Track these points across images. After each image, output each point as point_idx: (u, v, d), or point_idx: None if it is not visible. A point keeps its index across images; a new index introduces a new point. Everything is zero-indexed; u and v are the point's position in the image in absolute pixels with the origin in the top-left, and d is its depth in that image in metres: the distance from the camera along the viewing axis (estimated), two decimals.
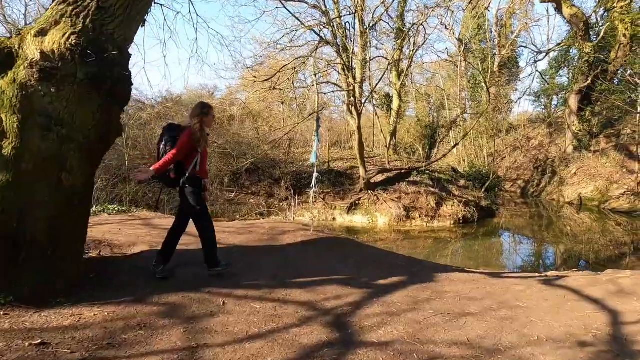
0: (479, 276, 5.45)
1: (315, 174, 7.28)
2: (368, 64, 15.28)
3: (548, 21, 29.57)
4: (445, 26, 25.49)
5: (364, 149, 13.60)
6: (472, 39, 27.62)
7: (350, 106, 12.56)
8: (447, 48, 30.50)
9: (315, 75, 13.30)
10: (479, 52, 27.79)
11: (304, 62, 11.90)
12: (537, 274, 6.42)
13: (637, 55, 18.42)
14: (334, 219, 13.42)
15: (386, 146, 14.55)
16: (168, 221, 5.78)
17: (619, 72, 19.79)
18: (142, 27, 4.16)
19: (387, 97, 18.32)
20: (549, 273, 6.91)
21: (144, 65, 13.51)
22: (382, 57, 17.09)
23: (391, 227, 12.99)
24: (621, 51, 19.23)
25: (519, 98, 27.78)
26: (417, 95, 24.20)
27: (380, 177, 14.34)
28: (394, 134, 16.94)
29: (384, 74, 13.03)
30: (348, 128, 20.55)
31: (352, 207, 13.52)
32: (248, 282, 4.17)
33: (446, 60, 28.61)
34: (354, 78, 12.12)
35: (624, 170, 18.22)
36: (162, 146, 3.93)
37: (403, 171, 14.67)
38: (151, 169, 3.76)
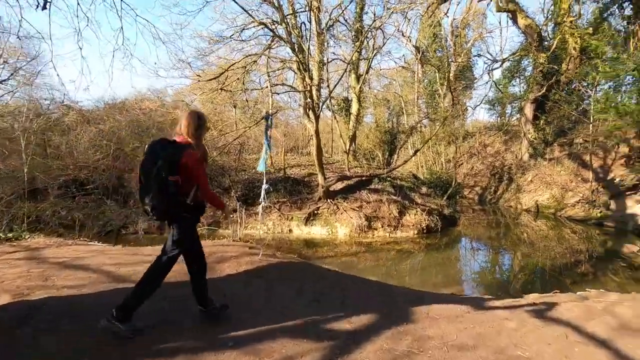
0: (462, 308, 4.48)
1: (264, 186, 5.95)
2: (326, 66, 14.31)
3: (501, 32, 30.03)
4: (402, 33, 25.31)
5: (323, 154, 12.54)
6: (428, 47, 27.56)
7: (307, 109, 11.48)
8: (404, 55, 30.17)
9: (268, 75, 12.15)
10: (436, 60, 27.77)
11: (255, 61, 10.69)
12: (522, 301, 5.57)
13: (587, 67, 18.65)
14: (290, 230, 12.23)
15: (346, 152, 13.56)
16: (71, 252, 4.38)
17: (573, 83, 20.01)
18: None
19: (346, 101, 17.48)
20: (533, 297, 6.11)
21: (52, 58, 11.51)
22: (340, 59, 16.21)
23: (352, 239, 11.98)
24: (572, 63, 19.51)
25: (477, 105, 27.86)
26: (376, 101, 23.59)
27: (340, 185, 13.33)
28: (353, 139, 16.04)
29: (343, 75, 12.06)
30: (305, 133, 19.54)
31: (311, 218, 12.40)
32: (162, 344, 2.94)
33: (403, 67, 28.50)
34: (311, 79, 11.05)
35: (579, 178, 18.29)
36: (150, 171, 2.99)
37: (364, 178, 13.75)
38: (220, 204, 3.46)
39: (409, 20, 21.83)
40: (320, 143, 11.81)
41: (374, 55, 15.70)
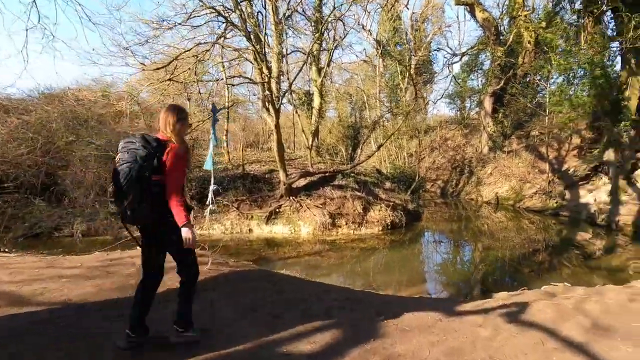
0: (433, 316, 4.08)
1: (212, 187, 5.28)
2: (285, 58, 13.70)
3: (459, 27, 30.44)
4: (363, 26, 25.01)
5: (284, 150, 11.97)
6: (389, 40, 27.41)
7: (266, 102, 10.86)
8: (365, 49, 29.94)
9: (223, 65, 11.41)
10: (397, 54, 27.67)
11: (207, 50, 9.91)
12: (493, 302, 5.30)
13: (541, 61, 19.01)
14: (250, 230, 11.60)
15: (308, 147, 13.03)
16: None
17: (529, 76, 20.38)
18: None
19: (308, 94, 16.95)
20: (502, 297, 5.86)
21: None
22: (301, 51, 15.62)
23: (316, 237, 11.51)
24: (527, 57, 19.85)
25: (438, 99, 28.04)
26: (338, 95, 23.18)
27: (302, 182, 12.80)
28: (316, 134, 15.54)
29: (302, 67, 11.51)
30: (266, 127, 18.85)
31: (272, 216, 11.82)
32: None
33: (365, 61, 28.25)
34: (269, 70, 10.43)
35: (536, 170, 18.65)
36: (130, 168, 2.67)
37: (327, 174, 13.30)
38: (181, 219, 2.76)
39: (369, 13, 21.57)
40: (281, 138, 11.24)
41: (335, 47, 15.28)
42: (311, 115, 15.80)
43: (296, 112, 12.56)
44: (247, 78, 11.88)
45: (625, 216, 13.40)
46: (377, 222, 12.54)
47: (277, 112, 10.71)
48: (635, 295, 5.68)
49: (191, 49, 9.63)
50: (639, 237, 12.37)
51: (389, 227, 12.63)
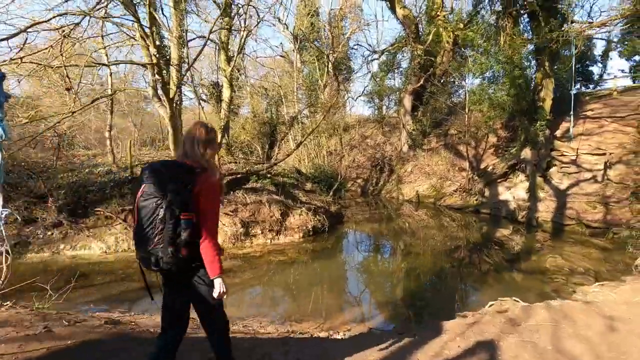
0: None
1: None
2: (185, 42, 11.41)
3: (377, 26, 29.93)
4: (279, 19, 23.28)
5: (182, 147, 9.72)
6: (306, 36, 26.02)
7: (156, 89, 8.59)
8: (281, 43, 28.18)
9: (103, 42, 8.88)
10: (315, 50, 26.47)
11: (77, 24, 7.39)
12: (446, 339, 3.83)
13: (460, 59, 18.80)
14: None
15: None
16: None
17: (448, 75, 20.12)
18: None
19: (216, 86, 14.72)
20: (451, 326, 4.45)
21: None
22: (205, 36, 13.27)
23: (226, 250, 9.48)
24: (445, 56, 19.56)
25: (358, 96, 27.18)
26: (253, 90, 21.14)
27: None
28: (226, 130, 13.40)
29: (202, 50, 9.31)
30: (166, 123, 16.10)
31: None
32: None
33: (282, 56, 26.51)
34: (158, 49, 8.19)
35: (456, 168, 18.34)
36: (157, 205, 2.18)
37: (239, 176, 11.29)
38: (215, 269, 2.31)
39: (285, 7, 19.92)
40: (178, 133, 9.02)
41: (247, 35, 13.26)
42: (220, 109, 13.64)
43: (199, 104, 10.37)
44: (130, 61, 9.35)
45: (544, 213, 13.20)
46: (297, 228, 10.85)
47: (172, 102, 8.49)
48: (611, 321, 4.63)
49: (50, 19, 7.05)
50: (557, 233, 12.19)
51: (311, 233, 11.01)
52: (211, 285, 2.35)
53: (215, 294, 2.33)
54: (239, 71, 24.19)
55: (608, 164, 12.74)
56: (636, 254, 9.44)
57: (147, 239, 2.18)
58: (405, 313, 6.49)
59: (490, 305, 6.08)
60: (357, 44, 26.56)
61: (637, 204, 11.08)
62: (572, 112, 13.20)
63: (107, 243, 8.81)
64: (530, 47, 15.23)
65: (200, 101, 12.09)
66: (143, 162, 11.37)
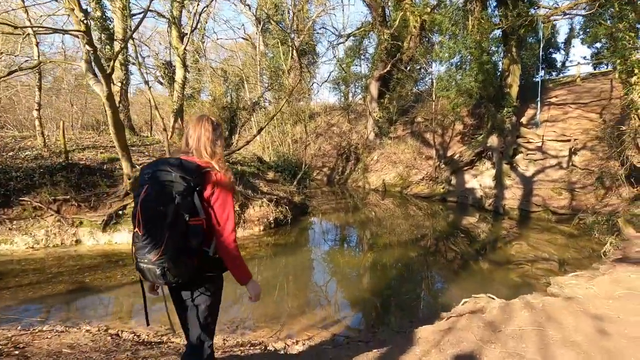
0: None
1: None
2: (129, 14, 10.18)
3: (343, 10, 29.03)
4: None
5: (124, 130, 8.61)
6: (270, 18, 24.86)
7: (90, 63, 7.44)
8: (243, 25, 26.91)
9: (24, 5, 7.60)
10: (279, 33, 25.36)
11: None
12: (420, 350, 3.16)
13: (427, 45, 18.29)
14: (77, 241, 8.07)
15: (164, 129, 9.77)
16: None
17: (415, 61, 19.56)
18: None
19: (169, 66, 13.47)
20: (424, 334, 3.78)
21: None
22: (156, 11, 12.04)
23: None
24: (412, 41, 19.02)
25: (324, 82, 26.33)
26: (213, 73, 19.83)
27: None
28: (179, 114, 12.25)
29: (142, 20, 8.14)
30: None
31: (112, 221, 8.46)
32: None
33: (244, 38, 25.26)
34: (86, 14, 7.03)
35: (422, 156, 17.95)
36: (163, 210, 1.88)
37: None
38: (245, 273, 2.14)
39: None
40: (118, 115, 7.90)
41: (202, 11, 12.15)
42: (173, 91, 12.46)
43: (146, 83, 9.21)
44: (53, 29, 8.05)
45: (511, 200, 12.95)
46: (257, 220, 10.00)
47: (109, 78, 7.36)
48: (599, 322, 4.12)
49: None
50: (524, 221, 11.97)
51: (272, 225, 10.20)
52: (214, 297, 2.17)
53: (253, 297, 2.19)
54: (198, 53, 22.84)
55: (573, 150, 12.59)
56: (602, 240, 9.27)
57: (152, 247, 1.88)
58: (374, 313, 5.83)
59: (464, 303, 5.53)
60: (323, 27, 25.52)
61: (602, 190, 10.93)
62: (539, 98, 12.95)
63: (35, 237, 7.65)
64: (498, 32, 14.88)
65: (148, 81, 10.74)
66: (83, 147, 10.10)
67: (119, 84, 11.05)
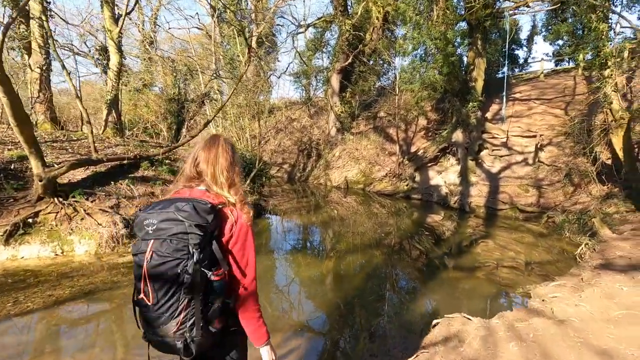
0: None
1: None
2: None
3: (304, 0, 27.74)
4: None
5: (30, 123, 7.06)
6: (227, 6, 23.29)
7: None
8: (197, 13, 25.19)
9: None
10: (235, 23, 23.84)
11: None
12: None
13: (391, 37, 17.44)
14: None
15: (87, 122, 8.20)
16: None
17: (378, 53, 18.67)
18: None
19: (104, 52, 11.83)
20: None
21: None
22: None
23: (101, 259, 7.10)
24: (375, 33, 18.12)
25: (282, 73, 25.07)
26: (163, 64, 18.08)
27: (80, 174, 8.09)
28: (113, 105, 10.69)
29: None
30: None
31: (18, 231, 6.93)
32: None
33: (198, 28, 23.55)
34: None
35: (385, 152, 17.11)
36: (180, 269, 1.47)
37: (125, 162, 8.77)
38: (262, 336, 1.74)
39: None
40: (19, 102, 6.37)
41: None
42: (108, 80, 10.86)
43: (64, 68, 7.60)
44: None
45: (476, 197, 12.29)
46: None
47: None
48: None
49: None
50: (490, 219, 11.33)
51: None
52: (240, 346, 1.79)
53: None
54: (151, 44, 20.95)
55: (539, 146, 12.06)
56: (574, 239, 8.67)
57: (168, 317, 1.48)
58: (330, 346, 4.73)
59: (435, 326, 4.55)
60: (281, 16, 24.09)
61: (570, 187, 10.40)
62: (504, 92, 12.35)
63: None
64: (464, 24, 14.19)
65: (65, 66, 8.88)
66: None
67: (38, 70, 9.38)
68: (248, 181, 11.12)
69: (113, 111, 10.53)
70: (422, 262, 8.01)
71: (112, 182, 8.23)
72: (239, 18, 23.55)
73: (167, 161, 9.63)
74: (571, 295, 5.11)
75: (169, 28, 21.43)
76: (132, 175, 8.72)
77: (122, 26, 10.80)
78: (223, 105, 10.78)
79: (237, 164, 1.78)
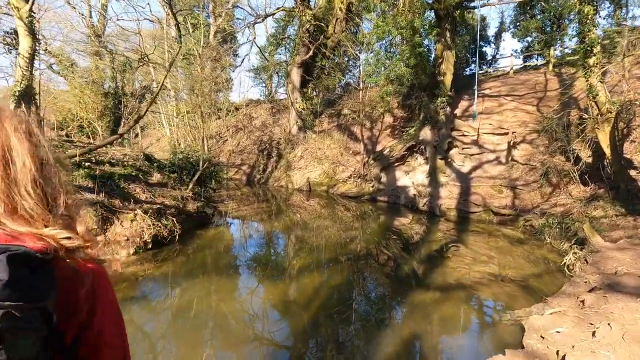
0: None
1: None
2: None
3: None
4: None
5: None
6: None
7: None
8: (149, 4, 23.20)
9: None
10: (192, 17, 22.10)
11: None
12: None
13: (354, 28, 16.21)
14: None
15: None
16: None
17: (341, 47, 17.36)
18: None
19: (16, 35, 9.87)
20: None
21: None
22: None
23: None
24: (338, 25, 16.81)
25: (237, 66, 23.45)
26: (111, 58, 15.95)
27: None
28: (24, 98, 8.80)
29: None
30: None
31: None
32: None
33: (150, 20, 21.54)
34: None
35: (350, 151, 15.83)
36: None
37: None
38: None
39: None
40: None
41: None
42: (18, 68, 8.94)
43: None
44: None
45: (447, 199, 11.18)
46: (126, 241, 7.05)
47: None
48: None
49: None
50: (463, 223, 10.24)
51: (149, 246, 7.30)
52: None
53: None
54: (99, 37, 18.80)
55: (512, 143, 11.10)
56: (556, 246, 7.66)
57: None
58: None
59: None
60: (237, 6, 22.26)
61: (548, 187, 9.42)
62: (475, 87, 11.31)
63: None
64: (431, 16, 13.10)
65: None
66: None
67: None
68: (191, 185, 9.48)
69: (23, 106, 8.63)
70: (392, 281, 6.72)
71: None
72: (197, 11, 21.83)
73: (87, 164, 7.88)
74: (579, 332, 3.92)
75: (118, 19, 19.28)
76: None
77: (32, 3, 8.93)
78: (155, 96, 9.04)
79: (55, 164, 0.76)
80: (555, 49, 13.93)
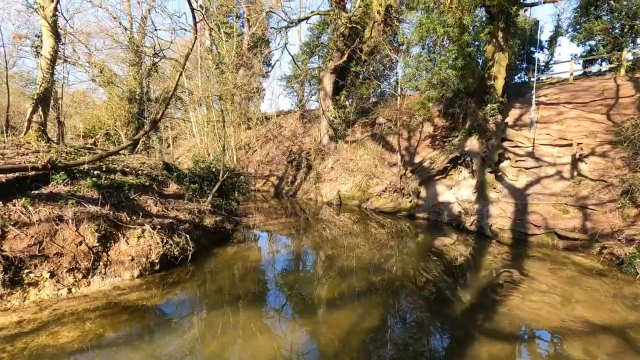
0: None
1: None
2: None
3: (300, 2, 25.45)
4: None
5: None
6: (217, 9, 21.06)
7: None
8: (185, 13, 22.99)
9: None
10: (227, 26, 21.71)
11: None
12: None
13: (395, 30, 14.98)
14: None
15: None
16: None
17: (378, 52, 16.13)
18: None
19: (38, 37, 9.31)
20: None
21: None
22: None
23: None
24: (375, 29, 15.61)
25: (267, 72, 22.56)
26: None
27: None
28: (43, 102, 8.09)
29: None
30: None
31: None
32: None
33: (183, 29, 21.19)
34: None
35: (385, 163, 14.46)
36: None
37: (29, 174, 6.11)
38: None
39: None
40: None
41: None
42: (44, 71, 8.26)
43: None
44: None
45: (499, 218, 9.58)
46: (131, 261, 6.02)
47: None
48: None
49: None
50: (520, 247, 8.62)
51: (157, 267, 6.26)
52: None
53: None
54: (138, 47, 18.53)
55: (578, 156, 9.42)
56: None
57: None
58: None
59: None
60: (271, 11, 21.42)
61: (632, 208, 7.71)
62: (534, 92, 9.74)
63: None
64: (481, 14, 11.69)
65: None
66: None
67: None
68: (210, 197, 8.41)
69: (40, 109, 7.91)
70: (436, 323, 5.29)
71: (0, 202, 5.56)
72: (231, 20, 21.34)
73: (96, 172, 6.96)
74: None
75: (156, 29, 19.05)
76: (37, 191, 6.05)
77: (57, 2, 8.27)
78: (171, 96, 8.05)
79: None
80: (628, 51, 12.10)
